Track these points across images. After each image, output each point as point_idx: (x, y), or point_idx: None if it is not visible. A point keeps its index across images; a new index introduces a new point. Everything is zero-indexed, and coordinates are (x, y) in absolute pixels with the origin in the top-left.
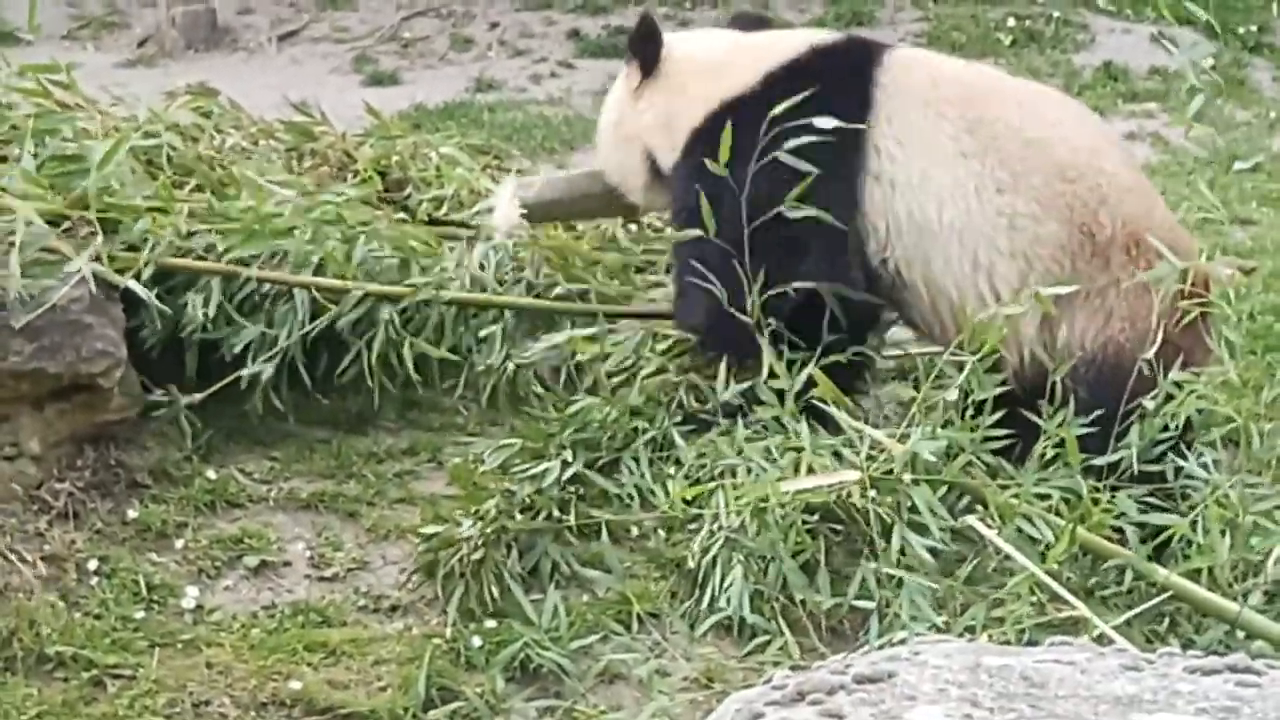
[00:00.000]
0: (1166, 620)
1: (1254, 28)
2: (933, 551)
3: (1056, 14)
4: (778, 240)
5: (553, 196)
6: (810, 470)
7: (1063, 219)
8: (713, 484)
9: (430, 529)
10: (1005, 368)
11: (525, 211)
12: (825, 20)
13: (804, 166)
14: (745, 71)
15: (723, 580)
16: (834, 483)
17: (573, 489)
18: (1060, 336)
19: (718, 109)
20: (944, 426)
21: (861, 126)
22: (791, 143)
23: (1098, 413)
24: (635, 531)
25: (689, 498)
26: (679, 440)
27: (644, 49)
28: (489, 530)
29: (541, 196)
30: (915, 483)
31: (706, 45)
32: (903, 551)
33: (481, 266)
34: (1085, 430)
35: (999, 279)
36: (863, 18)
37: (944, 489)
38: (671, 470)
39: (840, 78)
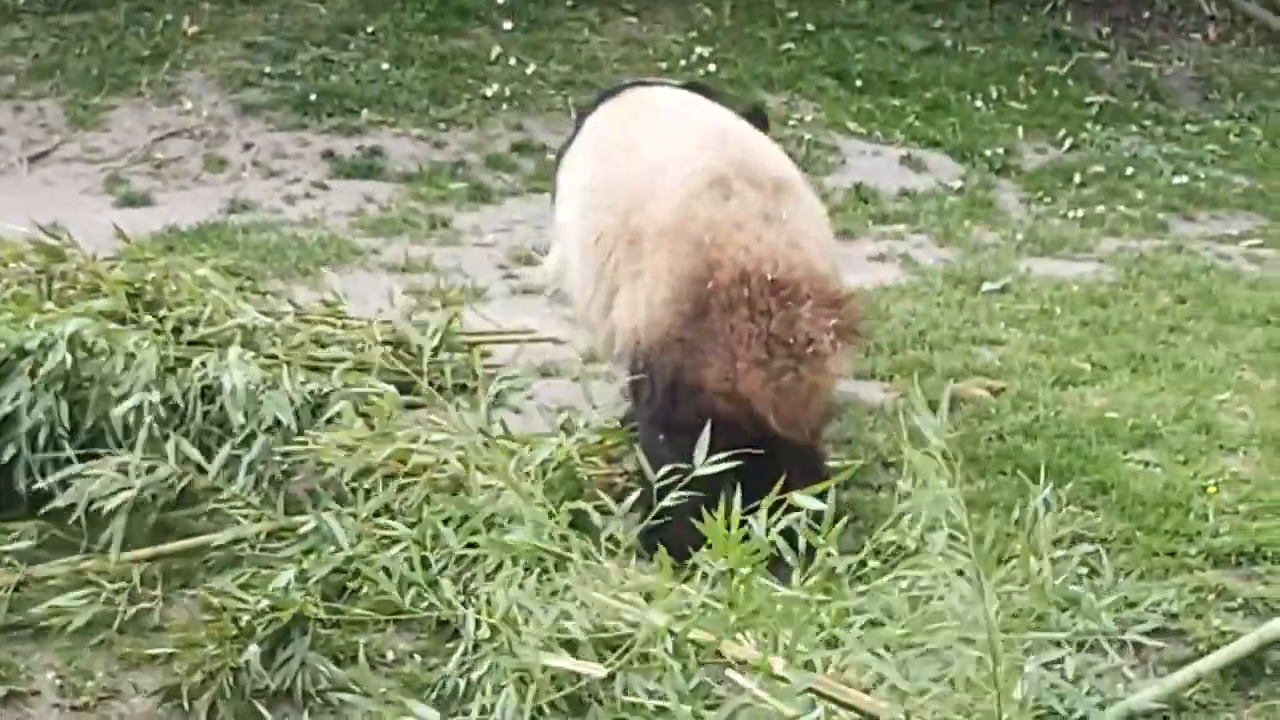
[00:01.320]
0: None
1: (1000, 150)
2: None
3: (808, 136)
4: None
5: None
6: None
7: None
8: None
9: (183, 654)
10: None
11: None
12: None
13: None
14: None
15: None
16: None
17: (329, 610)
18: None
19: None
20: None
21: None
22: None
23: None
24: (391, 655)
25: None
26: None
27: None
28: (240, 655)
29: None
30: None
31: None
32: None
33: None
34: None
35: None
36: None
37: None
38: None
39: None
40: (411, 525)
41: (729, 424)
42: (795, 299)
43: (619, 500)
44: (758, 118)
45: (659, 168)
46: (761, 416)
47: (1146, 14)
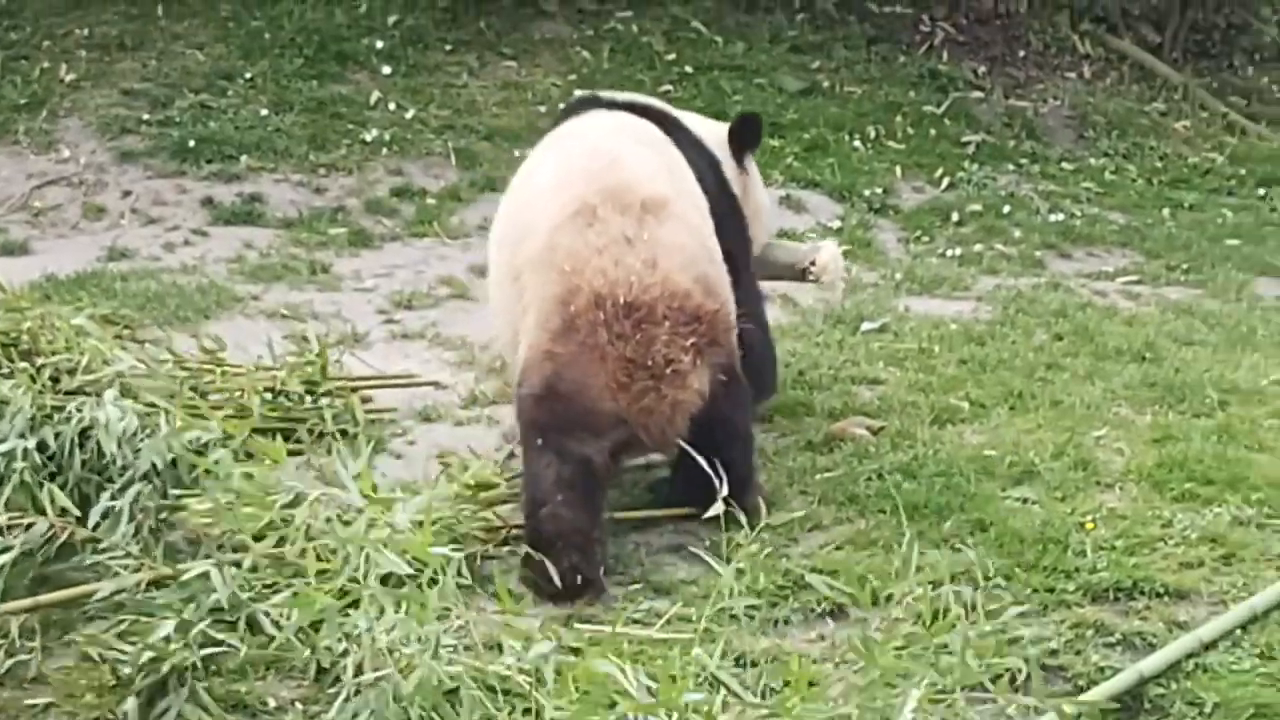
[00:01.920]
0: None
1: (879, 190)
2: None
3: None
4: None
5: None
6: None
7: None
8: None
9: (61, 705)
10: None
11: None
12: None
13: None
14: None
15: None
16: None
17: (208, 659)
18: None
19: None
20: None
21: None
22: None
23: None
24: (273, 703)
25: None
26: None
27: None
28: (119, 705)
29: None
30: None
31: None
32: None
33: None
34: None
35: None
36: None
37: None
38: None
39: None
40: (293, 575)
41: (603, 434)
42: (651, 320)
43: (501, 546)
44: (747, 128)
45: (536, 201)
46: (631, 433)
47: (1022, 53)
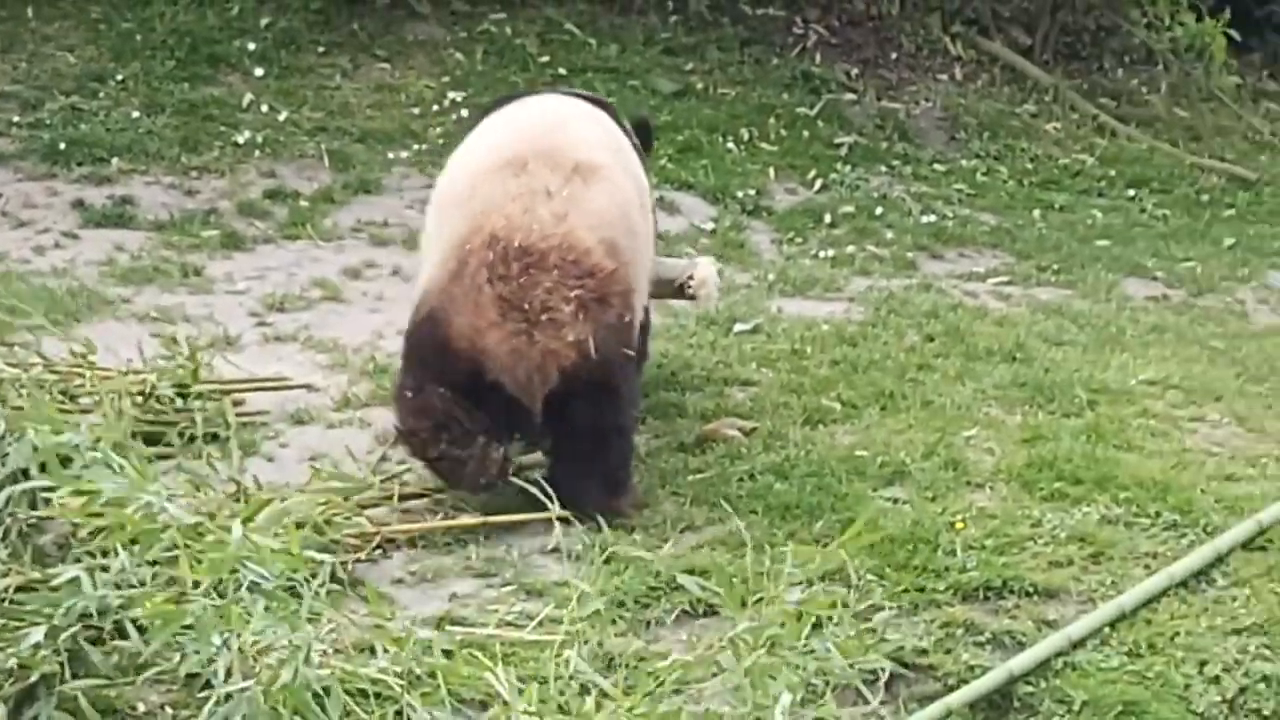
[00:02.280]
0: None
1: (752, 191)
2: None
3: None
4: None
5: None
6: None
7: None
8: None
9: None
10: None
11: None
12: None
13: None
14: None
15: None
16: None
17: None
18: None
19: None
20: None
21: None
22: None
23: None
24: (142, 708)
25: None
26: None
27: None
28: None
29: None
30: None
31: None
32: None
33: None
34: None
35: None
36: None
37: None
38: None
39: None
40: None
41: (470, 375)
42: (540, 267)
43: (374, 550)
44: (642, 129)
45: (475, 153)
46: (496, 375)
47: (894, 55)
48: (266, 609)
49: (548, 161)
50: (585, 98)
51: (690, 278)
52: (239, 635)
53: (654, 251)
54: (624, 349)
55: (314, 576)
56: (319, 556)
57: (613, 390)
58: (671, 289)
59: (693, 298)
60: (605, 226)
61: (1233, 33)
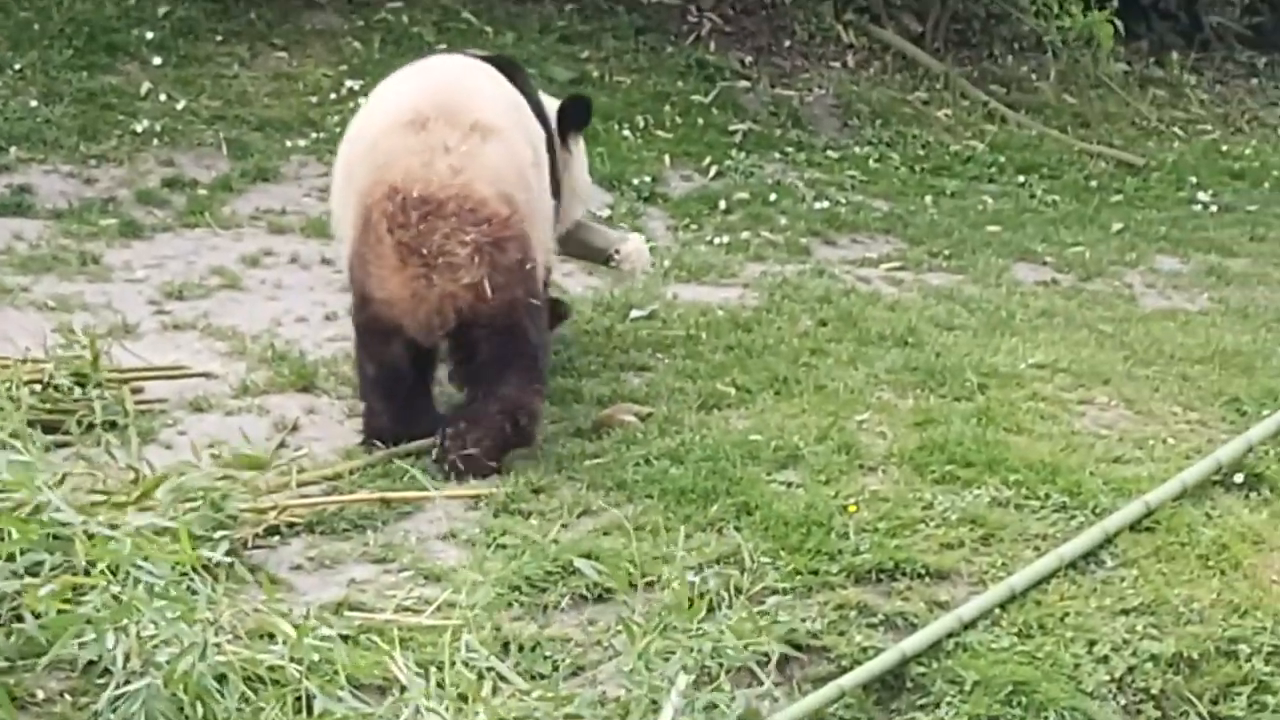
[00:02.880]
0: None
1: (648, 178)
2: None
3: None
4: None
5: None
6: None
7: None
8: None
9: None
10: None
11: None
12: None
13: None
14: None
15: None
16: None
17: None
18: None
19: None
20: None
21: None
22: None
23: None
24: (41, 695)
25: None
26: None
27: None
28: None
29: None
30: None
31: None
32: None
33: None
34: None
35: None
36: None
37: None
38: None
39: None
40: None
41: (394, 328)
42: (438, 214)
43: (271, 533)
44: (577, 109)
45: (379, 112)
46: (399, 318)
47: (788, 43)
48: (162, 596)
49: (447, 119)
50: (492, 59)
51: (618, 250)
52: (137, 622)
53: (576, 214)
54: (526, 294)
55: (212, 563)
56: (216, 536)
57: (513, 330)
58: (601, 256)
59: (617, 267)
60: (500, 180)
61: (1118, 22)
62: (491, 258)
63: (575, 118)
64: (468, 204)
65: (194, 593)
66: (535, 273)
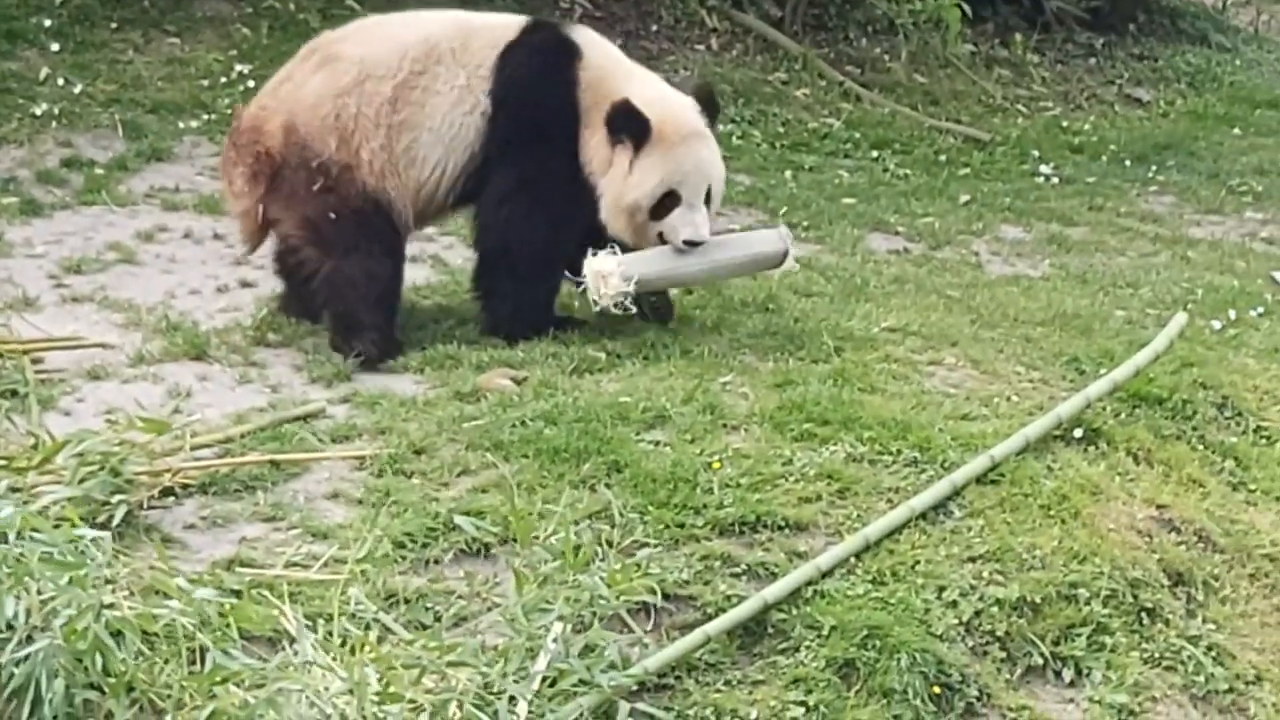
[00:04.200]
0: None
1: None
2: None
3: None
4: None
5: (657, 271)
6: None
7: None
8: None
9: None
10: None
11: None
12: None
13: None
14: None
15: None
16: None
17: None
18: None
19: None
20: None
21: None
22: None
23: None
24: None
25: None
26: None
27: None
28: None
29: (649, 271)
30: None
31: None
32: None
33: None
34: None
35: None
36: None
37: None
38: None
39: None
40: None
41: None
42: (237, 144)
43: (166, 495)
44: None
45: None
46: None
47: (655, 28)
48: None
49: (323, 54)
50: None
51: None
52: (36, 582)
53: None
54: (325, 210)
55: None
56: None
57: (321, 246)
58: (771, 262)
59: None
60: (312, 115)
61: (966, 6)
62: (263, 186)
63: (710, 108)
64: (254, 136)
65: (87, 556)
66: (336, 193)
